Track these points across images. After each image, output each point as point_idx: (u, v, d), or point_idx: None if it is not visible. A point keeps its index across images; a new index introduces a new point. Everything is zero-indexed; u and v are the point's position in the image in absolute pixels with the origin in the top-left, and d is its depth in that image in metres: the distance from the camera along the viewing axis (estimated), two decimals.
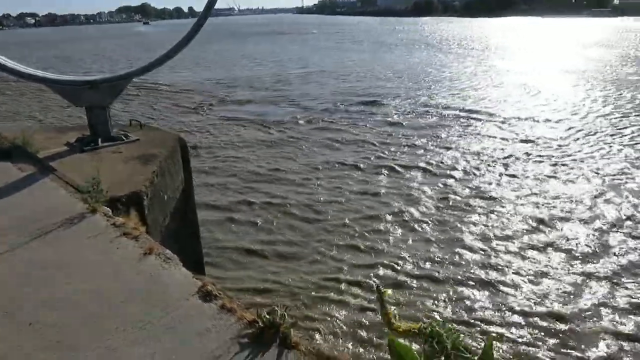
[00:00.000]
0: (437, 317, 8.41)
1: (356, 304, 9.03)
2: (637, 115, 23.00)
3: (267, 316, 3.69)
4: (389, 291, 2.64)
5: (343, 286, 9.68)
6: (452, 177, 15.97)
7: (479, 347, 6.14)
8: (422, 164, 17.24)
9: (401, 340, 2.67)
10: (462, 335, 2.75)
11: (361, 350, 7.51)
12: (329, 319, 8.51)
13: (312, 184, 15.75)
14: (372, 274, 10.11)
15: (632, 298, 9.24)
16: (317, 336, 7.79)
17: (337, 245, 11.46)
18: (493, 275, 10.14)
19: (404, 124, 23.08)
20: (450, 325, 2.56)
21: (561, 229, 12.02)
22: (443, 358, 2.50)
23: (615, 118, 22.83)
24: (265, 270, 10.30)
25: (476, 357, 2.72)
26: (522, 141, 19.70)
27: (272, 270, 10.28)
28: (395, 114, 25.15)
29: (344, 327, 8.25)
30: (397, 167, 16.99)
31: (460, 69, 40.54)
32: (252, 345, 3.53)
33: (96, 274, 4.58)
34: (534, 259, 10.77)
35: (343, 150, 19.30)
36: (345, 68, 41.36)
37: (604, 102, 26.36)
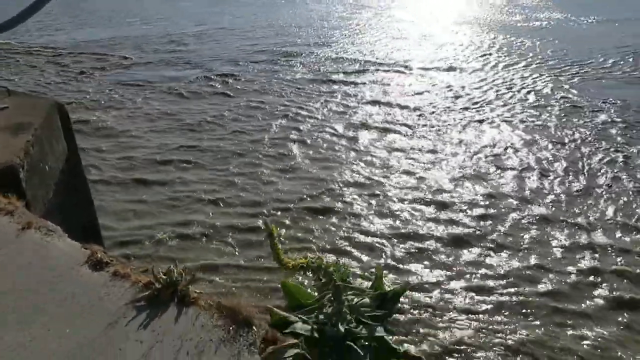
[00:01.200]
0: (324, 248, 9.01)
1: (252, 251, 9.33)
2: (538, 63, 25.10)
3: (164, 276, 3.61)
4: (275, 227, 2.69)
5: (240, 234, 9.98)
6: (364, 123, 16.65)
7: (365, 275, 6.62)
8: (337, 116, 17.60)
9: (291, 280, 2.79)
10: (349, 269, 2.92)
11: (263, 294, 7.78)
12: (229, 268, 8.69)
13: (218, 137, 15.53)
14: (264, 216, 10.54)
15: (532, 221, 10.53)
16: (219, 288, 7.91)
17: (239, 192, 11.77)
18: (389, 205, 10.90)
19: (316, 78, 23.03)
20: (337, 259, 2.70)
21: (470, 168, 13.13)
22: (332, 289, 2.64)
23: (519, 66, 24.61)
24: (170, 229, 10.15)
25: (367, 285, 2.92)
26: (435, 90, 20.63)
27: (176, 229, 10.15)
28: (306, 68, 24.95)
29: (244, 275, 8.47)
30: (309, 118, 17.21)
31: (363, 21, 40.91)
32: (148, 307, 3.44)
33: None
34: (432, 191, 11.67)
35: (250, 108, 18.89)
36: (246, 24, 39.65)
37: (506, 50, 28.27)
